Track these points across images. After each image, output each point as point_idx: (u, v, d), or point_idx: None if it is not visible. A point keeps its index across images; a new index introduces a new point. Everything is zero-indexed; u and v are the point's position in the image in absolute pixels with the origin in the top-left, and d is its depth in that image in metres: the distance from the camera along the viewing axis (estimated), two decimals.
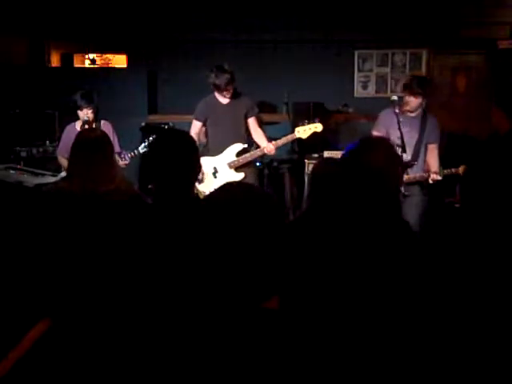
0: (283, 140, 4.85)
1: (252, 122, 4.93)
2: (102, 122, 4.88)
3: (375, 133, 4.67)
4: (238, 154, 4.85)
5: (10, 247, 2.84)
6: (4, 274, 2.55)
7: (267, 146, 4.77)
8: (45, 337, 1.85)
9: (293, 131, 4.94)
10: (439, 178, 4.38)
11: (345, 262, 1.94)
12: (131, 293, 1.86)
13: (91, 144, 2.81)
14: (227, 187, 1.51)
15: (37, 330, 1.85)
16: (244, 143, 4.90)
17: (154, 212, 2.09)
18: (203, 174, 4.87)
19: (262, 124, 5.26)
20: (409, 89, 4.47)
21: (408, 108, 4.48)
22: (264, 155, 5.01)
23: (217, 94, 4.87)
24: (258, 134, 4.94)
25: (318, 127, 4.74)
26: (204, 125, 4.99)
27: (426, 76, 6.10)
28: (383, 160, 2.05)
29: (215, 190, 1.51)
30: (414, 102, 4.46)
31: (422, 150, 4.53)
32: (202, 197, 5.13)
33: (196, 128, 4.96)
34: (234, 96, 4.86)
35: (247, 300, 1.38)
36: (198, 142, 4.97)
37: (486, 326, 1.90)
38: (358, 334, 1.78)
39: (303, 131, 4.75)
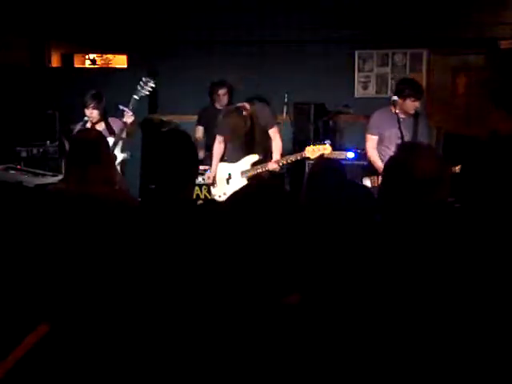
0: (292, 157, 4.95)
1: (272, 132, 5.03)
2: (110, 119, 4.88)
3: (370, 136, 4.74)
4: (253, 165, 4.99)
5: (9, 249, 2.84)
6: (3, 276, 2.55)
7: (270, 165, 4.89)
8: (43, 341, 1.85)
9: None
10: None
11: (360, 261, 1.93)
12: (131, 296, 1.85)
13: (86, 145, 2.82)
14: (249, 187, 1.52)
15: (35, 334, 1.85)
16: (260, 155, 5.01)
17: (150, 214, 2.08)
18: (216, 178, 5.14)
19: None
20: (412, 94, 4.53)
21: (404, 112, 4.51)
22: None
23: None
24: (275, 146, 5.04)
25: (326, 149, 4.75)
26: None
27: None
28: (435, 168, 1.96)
29: (239, 189, 1.53)
30: (413, 105, 4.51)
31: None
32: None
33: (219, 138, 5.17)
34: (253, 107, 4.96)
35: (266, 296, 1.39)
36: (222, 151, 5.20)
37: (486, 325, 1.89)
38: (371, 331, 1.77)
39: (312, 151, 4.78)
